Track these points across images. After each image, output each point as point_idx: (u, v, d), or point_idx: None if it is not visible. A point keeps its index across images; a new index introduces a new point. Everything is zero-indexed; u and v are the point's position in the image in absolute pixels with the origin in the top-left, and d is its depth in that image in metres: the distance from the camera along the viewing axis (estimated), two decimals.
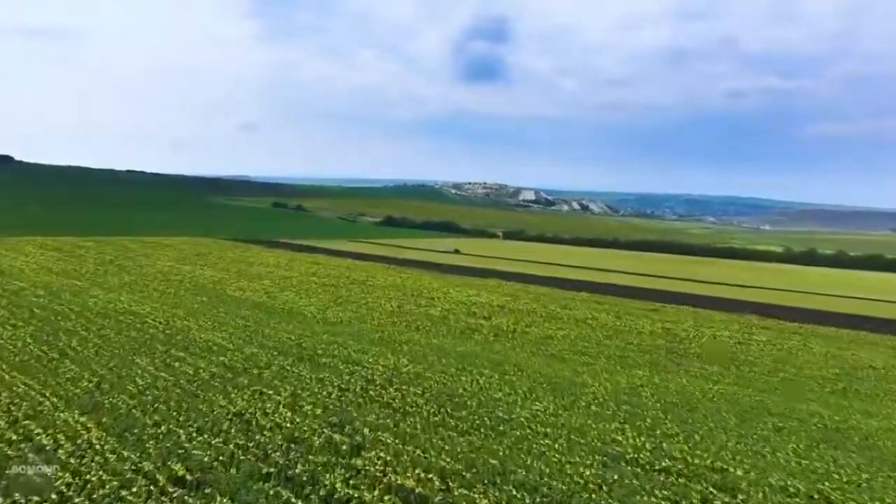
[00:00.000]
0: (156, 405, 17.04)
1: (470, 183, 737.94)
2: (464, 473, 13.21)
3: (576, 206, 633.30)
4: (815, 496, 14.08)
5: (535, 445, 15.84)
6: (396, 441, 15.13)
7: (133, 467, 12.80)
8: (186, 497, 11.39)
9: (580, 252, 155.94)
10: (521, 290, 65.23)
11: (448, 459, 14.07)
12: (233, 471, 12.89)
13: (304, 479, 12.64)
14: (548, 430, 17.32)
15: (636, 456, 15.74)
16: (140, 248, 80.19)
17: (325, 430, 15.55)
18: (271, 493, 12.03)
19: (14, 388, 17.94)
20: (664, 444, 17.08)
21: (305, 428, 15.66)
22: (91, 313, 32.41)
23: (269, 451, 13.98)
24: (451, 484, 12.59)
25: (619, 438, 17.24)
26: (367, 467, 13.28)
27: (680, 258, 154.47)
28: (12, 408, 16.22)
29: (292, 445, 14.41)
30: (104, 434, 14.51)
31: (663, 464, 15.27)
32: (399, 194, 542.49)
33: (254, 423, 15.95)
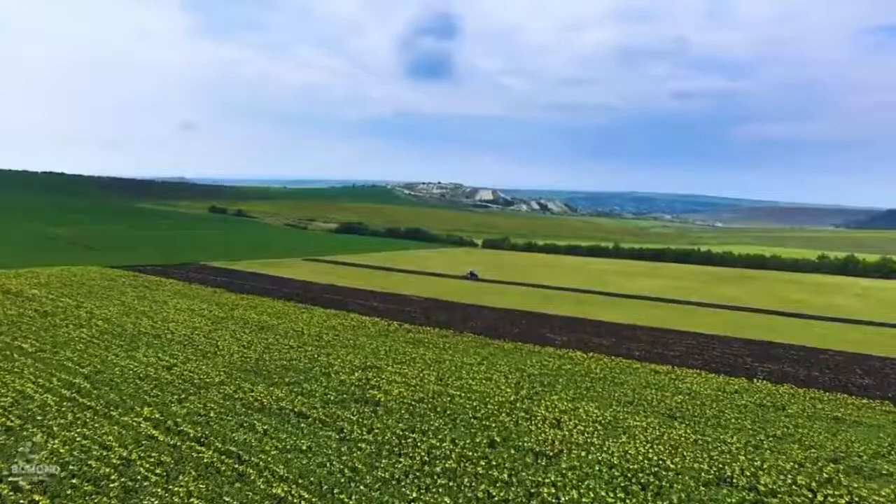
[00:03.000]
0: None
1: (423, 183, 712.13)
2: None
3: (534, 205, 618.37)
4: None
5: None
6: None
7: None
8: None
9: (602, 266, 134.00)
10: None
11: None
12: None
13: None
14: None
15: None
16: None
17: None
18: None
19: None
20: None
21: None
22: None
23: None
24: None
25: None
26: None
27: (716, 272, 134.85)
28: None
29: None
30: None
31: None
32: (349, 196, 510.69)
33: None
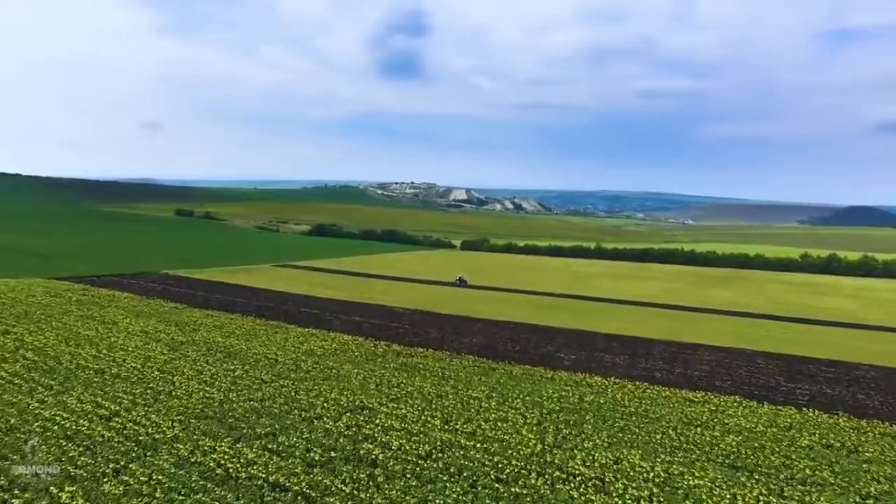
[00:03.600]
0: None
1: (396, 183, 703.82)
2: None
3: (508, 204, 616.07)
4: None
5: None
6: None
7: None
8: None
9: (587, 268, 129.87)
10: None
11: None
12: None
13: None
14: None
15: None
16: None
17: None
18: None
19: None
20: None
21: None
22: None
23: None
24: None
25: None
26: None
27: (702, 272, 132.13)
28: None
29: None
30: None
31: None
32: (321, 197, 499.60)
33: None
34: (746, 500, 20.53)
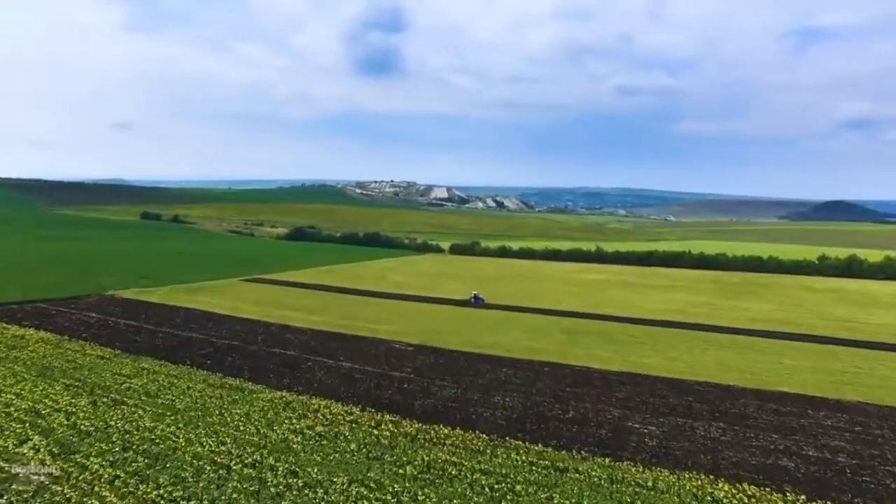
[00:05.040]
0: None
1: (375, 182, 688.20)
2: None
3: (490, 202, 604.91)
4: None
5: None
6: None
7: None
8: None
9: (596, 276, 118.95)
10: None
11: None
12: None
13: None
14: None
15: None
16: None
17: None
18: None
19: None
20: None
21: None
22: None
23: None
24: None
25: None
26: None
27: (718, 277, 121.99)
28: None
29: None
30: None
31: None
32: (299, 197, 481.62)
33: None
34: None
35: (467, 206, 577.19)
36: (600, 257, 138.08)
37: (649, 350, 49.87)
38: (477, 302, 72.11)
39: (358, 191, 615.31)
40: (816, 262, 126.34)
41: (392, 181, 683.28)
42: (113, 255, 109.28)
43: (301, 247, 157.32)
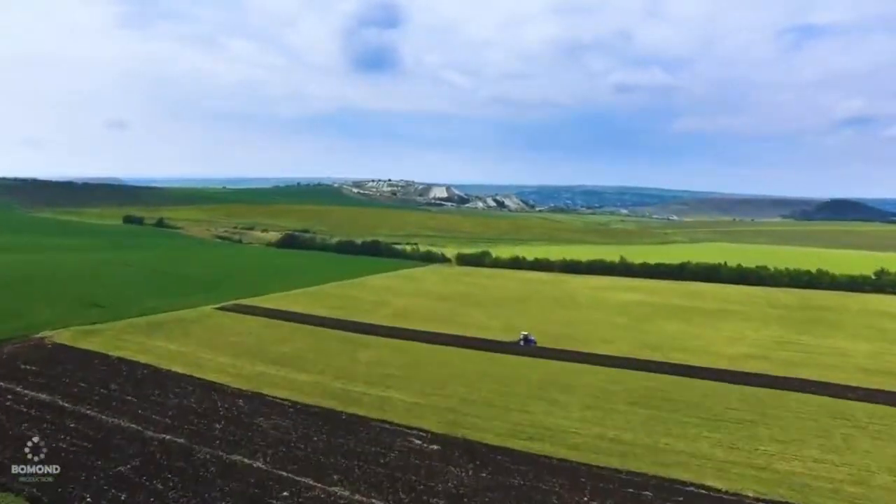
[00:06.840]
0: None
1: (373, 181, 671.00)
2: None
3: (490, 202, 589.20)
4: None
5: None
6: None
7: None
8: None
9: (635, 297, 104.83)
10: None
11: None
12: None
13: None
14: None
15: None
16: None
17: None
18: None
19: None
20: None
21: None
22: None
23: None
24: None
25: None
26: None
27: (774, 299, 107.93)
28: None
29: None
30: None
31: None
32: (294, 196, 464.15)
33: None
34: None
35: (467, 206, 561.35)
36: (626, 269, 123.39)
37: (765, 437, 35.41)
38: (527, 343, 57.70)
39: (355, 190, 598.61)
40: (874, 277, 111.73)
41: (390, 180, 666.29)
42: (68, 273, 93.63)
43: (291, 257, 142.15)
